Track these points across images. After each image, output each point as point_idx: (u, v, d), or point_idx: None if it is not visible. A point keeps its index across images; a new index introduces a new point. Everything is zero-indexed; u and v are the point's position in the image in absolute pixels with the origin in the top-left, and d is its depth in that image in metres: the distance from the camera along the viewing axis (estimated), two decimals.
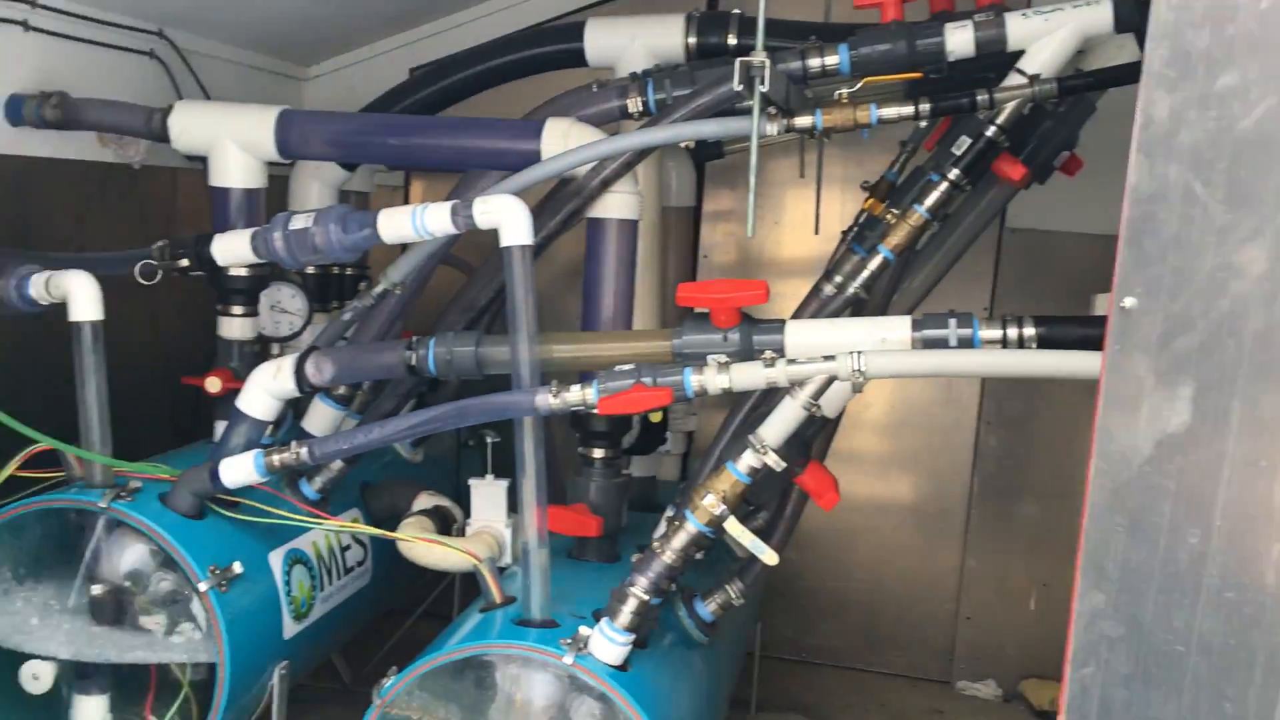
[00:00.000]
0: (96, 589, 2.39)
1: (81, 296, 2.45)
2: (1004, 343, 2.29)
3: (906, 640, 4.31)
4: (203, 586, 2.38)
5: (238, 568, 2.47)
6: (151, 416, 3.45)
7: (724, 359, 2.17)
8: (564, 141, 2.61)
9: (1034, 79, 2.49)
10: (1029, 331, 2.31)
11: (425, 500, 2.98)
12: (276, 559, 2.65)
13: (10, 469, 2.44)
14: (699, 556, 2.30)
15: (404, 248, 2.70)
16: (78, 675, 2.48)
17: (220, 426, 2.89)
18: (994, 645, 4.22)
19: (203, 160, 3.04)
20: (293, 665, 2.63)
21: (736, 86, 2.13)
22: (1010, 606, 4.20)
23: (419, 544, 2.63)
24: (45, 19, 3.05)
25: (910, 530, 4.33)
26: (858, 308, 2.68)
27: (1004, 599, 4.21)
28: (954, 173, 2.58)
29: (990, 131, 2.56)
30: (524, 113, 2.93)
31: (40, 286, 2.50)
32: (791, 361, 2.12)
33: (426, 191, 4.39)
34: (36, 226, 3.21)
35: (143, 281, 2.63)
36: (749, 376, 2.13)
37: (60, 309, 2.54)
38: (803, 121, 2.39)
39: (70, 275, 2.46)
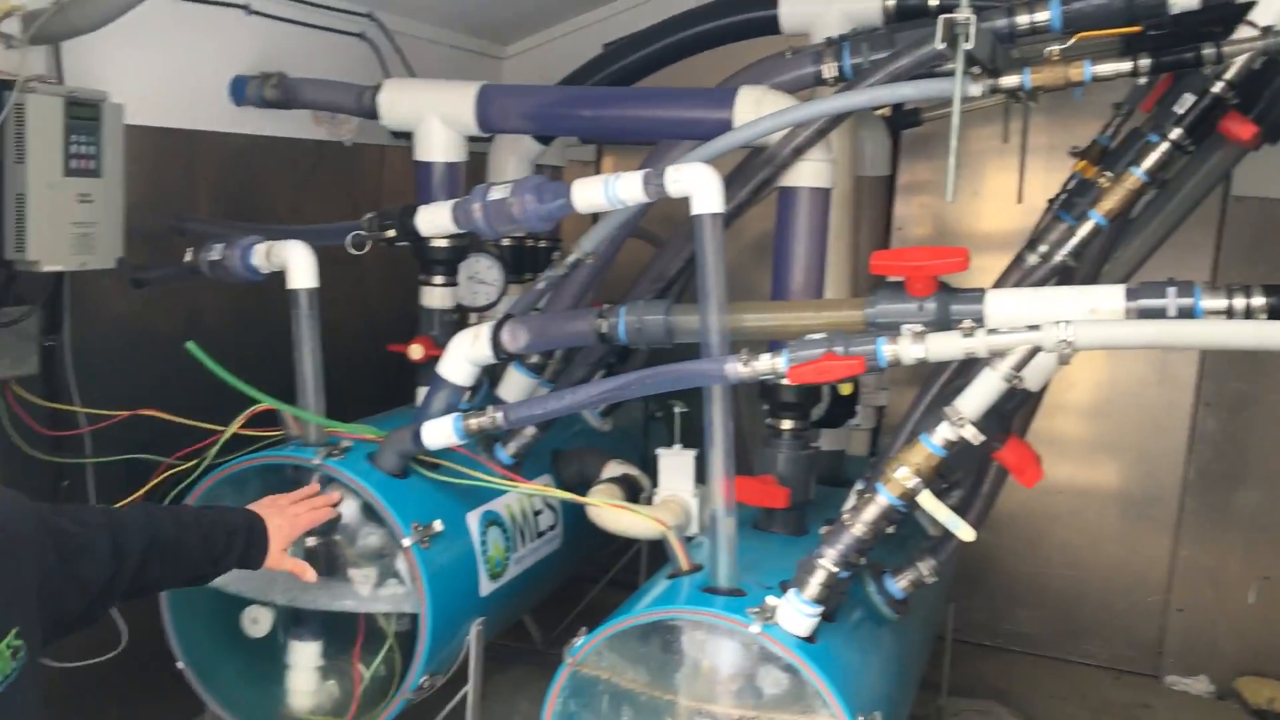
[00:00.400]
0: (310, 541, 2.53)
1: (299, 265, 2.59)
2: (1229, 314, 2.13)
3: (1110, 631, 4.11)
4: (406, 542, 2.49)
5: (438, 525, 2.57)
6: (357, 382, 3.63)
7: (919, 328, 2.11)
8: (757, 109, 2.58)
9: (1266, 31, 2.30)
10: (1258, 301, 2.13)
11: (614, 468, 3.02)
12: (473, 519, 2.75)
13: (234, 427, 2.62)
14: (889, 531, 2.24)
15: (594, 219, 2.74)
16: (293, 621, 2.65)
17: (422, 392, 3.01)
18: (1207, 640, 3.99)
19: (408, 136, 3.17)
20: (488, 622, 2.73)
21: (939, 45, 2.05)
22: (1227, 599, 3.96)
23: (608, 509, 2.67)
24: (266, 3, 3.24)
25: (1116, 517, 4.12)
26: (1064, 278, 2.56)
27: (1220, 591, 3.97)
28: (1176, 133, 2.42)
29: (1217, 88, 2.38)
30: (709, 83, 2.92)
31: (262, 256, 2.66)
32: (992, 331, 2.04)
33: (617, 165, 4.44)
34: (256, 200, 3.42)
35: (353, 251, 2.76)
36: (946, 346, 2.06)
37: (276, 280, 2.71)
38: (1009, 81, 2.29)
39: (289, 245, 2.61)
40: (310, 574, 2.29)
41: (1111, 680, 4.03)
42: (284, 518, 2.28)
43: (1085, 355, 4.07)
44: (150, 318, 3.01)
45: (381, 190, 4.01)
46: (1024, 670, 4.05)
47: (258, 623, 2.60)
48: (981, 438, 2.08)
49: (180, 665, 2.67)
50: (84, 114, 2.47)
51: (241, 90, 3.16)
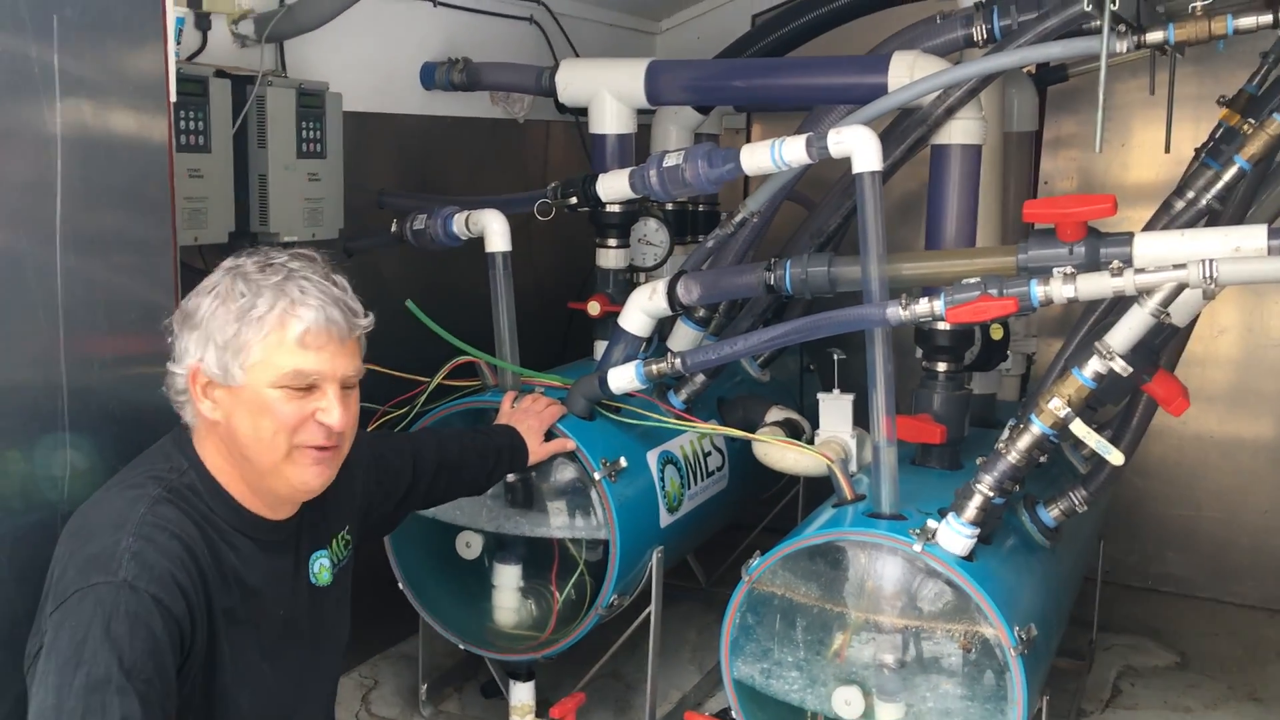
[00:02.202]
0: (511, 477, 2.85)
1: (496, 231, 2.90)
2: None
3: (1263, 573, 4.16)
4: (596, 475, 2.79)
5: (623, 462, 2.86)
6: (532, 338, 3.97)
7: (1069, 270, 2.27)
8: (910, 73, 2.76)
9: None
10: None
11: (776, 413, 3.25)
12: (652, 458, 3.03)
13: (439, 377, 2.95)
14: (1041, 460, 2.43)
15: (746, 186, 2.95)
16: (498, 546, 2.98)
17: (599, 345, 3.30)
18: None
19: (576, 113, 3.45)
20: (666, 550, 3.01)
21: (1086, 7, 2.21)
22: None
23: (774, 447, 2.91)
24: None
25: (1267, 464, 4.16)
26: (1211, 222, 2.67)
27: None
28: None
29: None
30: (857, 50, 3.10)
31: (461, 224, 2.98)
32: (1139, 271, 2.20)
33: (766, 131, 4.65)
34: (440, 174, 3.76)
35: (540, 217, 3.06)
36: (1095, 286, 2.22)
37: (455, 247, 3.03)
38: (1154, 37, 2.42)
39: (487, 213, 2.91)
40: (571, 443, 2.76)
41: (1266, 619, 4.08)
42: (533, 418, 2.73)
43: (1236, 305, 4.12)
44: (357, 283, 3.36)
45: (547, 162, 4.32)
46: (1175, 610, 4.14)
47: (470, 546, 2.95)
48: (1130, 370, 2.25)
49: (400, 585, 3.04)
50: (311, 103, 2.82)
51: (431, 76, 3.50)
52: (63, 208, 1.77)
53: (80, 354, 1.81)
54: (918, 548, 2.37)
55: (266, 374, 1.65)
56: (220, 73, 2.62)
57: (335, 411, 1.68)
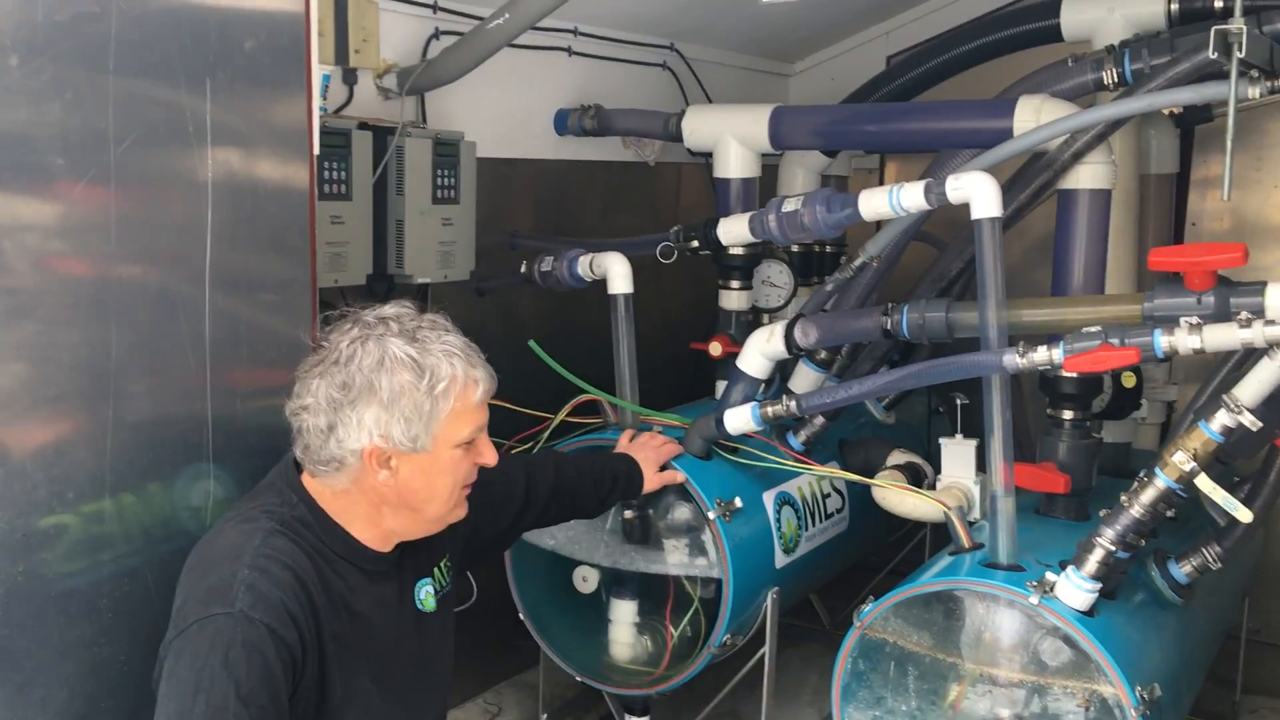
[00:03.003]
0: (628, 513, 2.91)
1: (618, 273, 2.98)
2: None
3: None
4: (711, 515, 2.82)
5: (738, 502, 2.88)
6: (658, 377, 4.04)
7: (1196, 320, 2.21)
8: (1036, 117, 2.74)
9: None
10: None
11: (898, 456, 3.23)
12: (769, 499, 3.05)
13: (563, 414, 3.04)
14: (1169, 515, 2.35)
15: (878, 225, 2.96)
16: (614, 582, 3.04)
17: (720, 385, 3.35)
18: None
19: (705, 156, 3.52)
20: (781, 592, 3.01)
21: (1211, 54, 2.16)
22: None
23: (893, 492, 2.89)
24: (583, 44, 3.69)
25: None
26: None
27: None
28: None
29: None
30: (990, 91, 3.08)
31: (585, 266, 3.07)
32: (1270, 323, 2.12)
33: (900, 171, 4.63)
34: (571, 216, 3.88)
35: (662, 260, 3.13)
36: (1222, 337, 2.16)
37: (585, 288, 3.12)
38: None
39: (609, 256, 3.00)
40: (680, 475, 2.79)
41: None
42: (650, 450, 2.78)
43: None
44: (488, 321, 3.51)
45: (678, 204, 4.40)
46: None
47: (587, 580, 3.02)
48: (1259, 424, 2.17)
49: (521, 616, 3.12)
50: (447, 151, 2.97)
51: (563, 122, 3.62)
52: (212, 250, 1.91)
53: (224, 388, 1.95)
54: (1034, 600, 2.32)
55: (453, 438, 1.76)
56: (363, 125, 2.78)
57: (490, 454, 1.84)
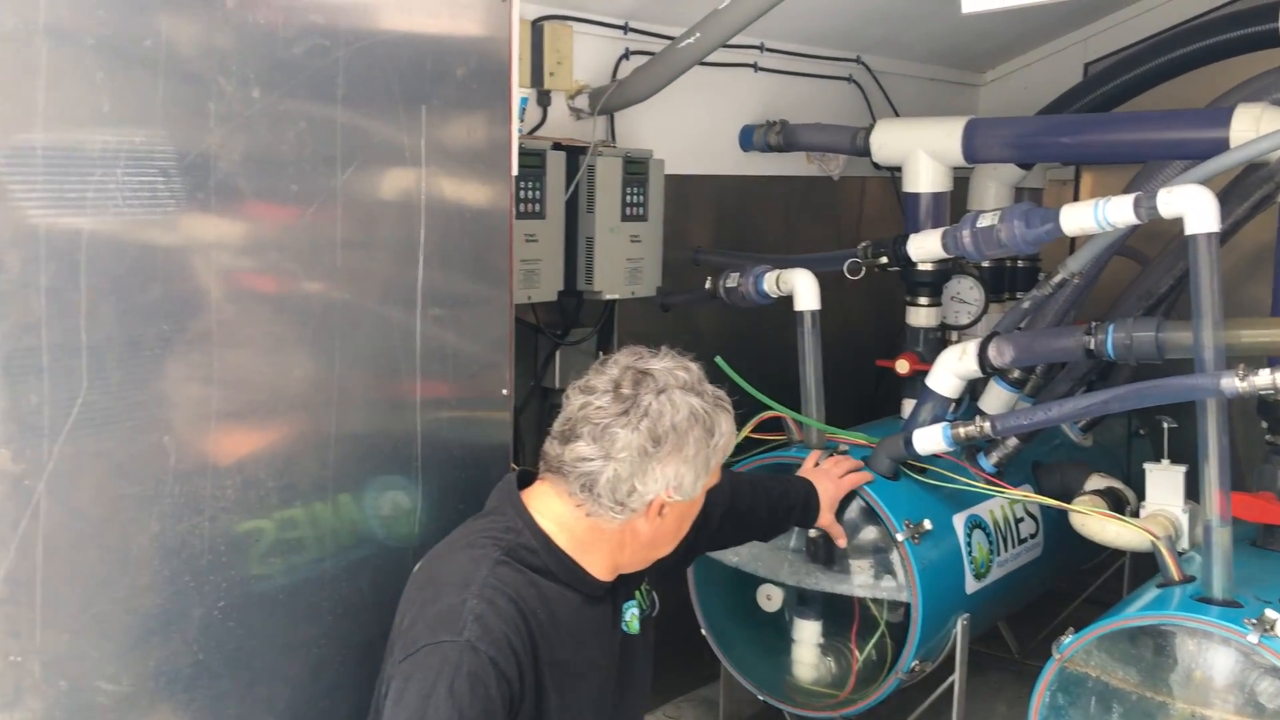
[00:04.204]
0: (813, 532, 2.88)
1: (805, 290, 2.96)
2: None
3: None
4: (899, 537, 2.77)
5: (927, 524, 2.82)
6: (840, 393, 3.99)
7: None
8: (1256, 127, 2.59)
9: None
10: None
11: (1097, 481, 3.10)
12: (959, 521, 2.97)
13: (746, 431, 3.03)
14: None
15: (1073, 242, 2.85)
16: (798, 601, 3.02)
17: (907, 403, 3.28)
18: None
19: (892, 170, 3.46)
20: (972, 618, 2.93)
21: None
22: None
23: (1093, 519, 2.78)
24: (769, 59, 3.69)
25: None
26: None
27: None
28: None
29: None
30: (1192, 100, 2.93)
31: (772, 282, 3.06)
32: None
33: (1096, 184, 4.45)
34: (753, 232, 3.88)
35: (850, 276, 3.10)
36: None
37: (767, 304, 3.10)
38: None
39: (796, 273, 2.99)
40: (844, 539, 2.70)
41: None
42: (830, 481, 2.67)
43: None
44: (671, 336, 3.53)
45: (861, 218, 4.35)
46: None
47: (771, 599, 3.00)
48: None
49: (703, 631, 3.13)
50: (636, 170, 3.02)
51: (749, 138, 3.63)
52: (423, 270, 2.00)
53: (432, 403, 2.04)
54: (1253, 639, 2.18)
55: (709, 484, 1.85)
56: (556, 145, 2.85)
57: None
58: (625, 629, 1.97)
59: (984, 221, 2.71)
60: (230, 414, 1.74)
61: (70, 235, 1.51)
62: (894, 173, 3.75)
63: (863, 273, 3.11)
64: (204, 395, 1.70)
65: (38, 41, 1.45)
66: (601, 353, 3.25)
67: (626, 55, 3.20)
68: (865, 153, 3.41)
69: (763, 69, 3.67)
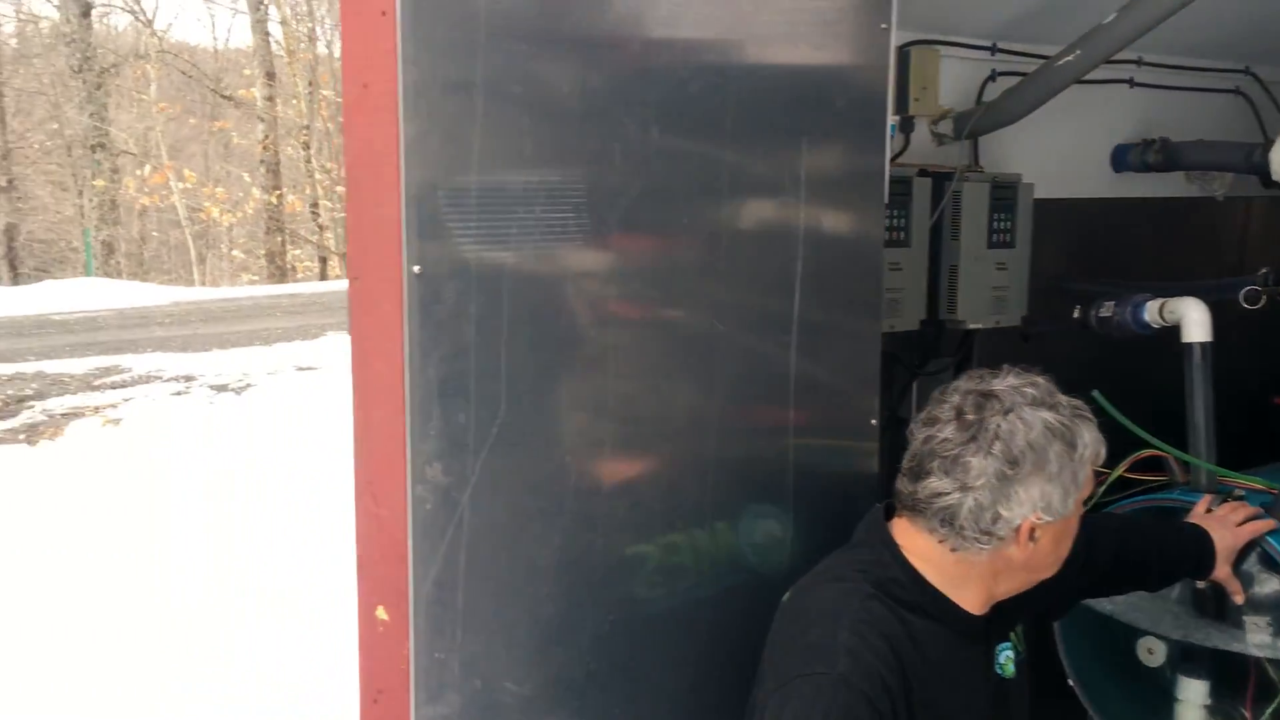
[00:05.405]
0: (1200, 583, 2.64)
1: (1196, 321, 2.73)
2: None
3: None
4: None
5: None
6: (1225, 432, 3.64)
7: None
8: None
9: None
10: None
11: None
12: None
13: (1121, 469, 2.83)
14: None
15: None
16: (1182, 657, 2.77)
17: None
18: None
19: None
20: None
21: None
22: None
23: None
24: (1146, 73, 3.45)
25: None
26: None
27: None
28: None
29: None
30: None
31: (1154, 312, 2.85)
32: None
33: None
34: (1123, 258, 3.62)
35: (1247, 306, 2.83)
36: None
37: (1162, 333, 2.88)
38: None
39: (1186, 302, 2.76)
40: (1241, 595, 2.46)
41: None
42: (1227, 530, 2.44)
43: None
44: (1037, 365, 3.36)
45: (1245, 242, 3.97)
46: None
47: (1153, 653, 2.78)
48: None
49: (1070, 682, 2.94)
50: (1004, 194, 2.91)
51: (1123, 157, 3.41)
52: (799, 300, 2.02)
53: (803, 432, 2.05)
54: None
55: (1083, 498, 1.79)
56: (922, 171, 2.80)
57: None
58: (1000, 672, 1.89)
59: None
60: (622, 438, 1.83)
61: (495, 268, 1.65)
62: None
63: (1262, 302, 2.83)
64: (599, 419, 1.80)
65: (475, 93, 1.59)
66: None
67: (993, 76, 3.10)
68: (1261, 171, 3.11)
69: (1139, 84, 3.43)
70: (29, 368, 10.40)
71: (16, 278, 25.68)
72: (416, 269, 1.55)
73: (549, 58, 1.66)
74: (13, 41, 30.37)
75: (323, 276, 25.13)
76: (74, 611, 5.42)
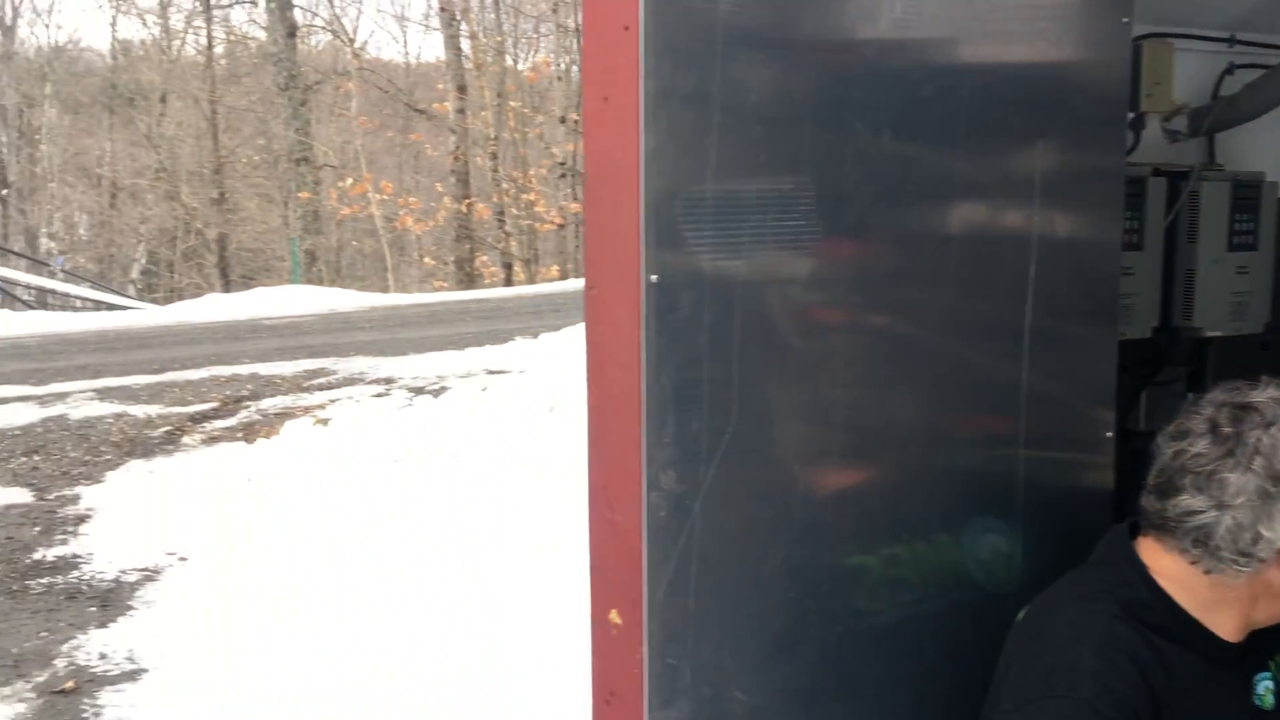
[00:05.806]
0: None
1: None
2: None
3: None
4: None
5: None
6: None
7: None
8: None
9: None
10: None
11: None
12: None
13: None
14: None
15: None
16: None
17: None
18: None
19: None
20: None
21: None
22: None
23: None
24: None
25: None
26: None
27: None
28: None
29: None
30: None
31: None
32: None
33: None
34: None
35: None
36: None
37: None
38: None
39: None
40: None
41: None
42: None
43: None
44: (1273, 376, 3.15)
45: None
46: None
47: None
48: None
49: None
50: (1247, 194, 2.73)
51: None
52: (1031, 306, 1.95)
53: (1036, 446, 1.97)
54: None
55: None
56: (1157, 171, 2.66)
57: None
58: (1259, 703, 1.76)
59: None
60: (848, 448, 1.80)
61: (727, 276, 1.64)
62: None
63: None
64: (825, 428, 1.78)
65: (712, 102, 1.59)
66: (1191, 394, 2.98)
67: (1230, 70, 2.91)
68: None
69: None
70: (244, 370, 11.08)
71: (228, 285, 27.50)
72: (654, 278, 1.56)
73: (783, 65, 1.65)
74: (224, 61, 32.52)
75: (508, 282, 25.87)
76: (320, 606, 5.67)
